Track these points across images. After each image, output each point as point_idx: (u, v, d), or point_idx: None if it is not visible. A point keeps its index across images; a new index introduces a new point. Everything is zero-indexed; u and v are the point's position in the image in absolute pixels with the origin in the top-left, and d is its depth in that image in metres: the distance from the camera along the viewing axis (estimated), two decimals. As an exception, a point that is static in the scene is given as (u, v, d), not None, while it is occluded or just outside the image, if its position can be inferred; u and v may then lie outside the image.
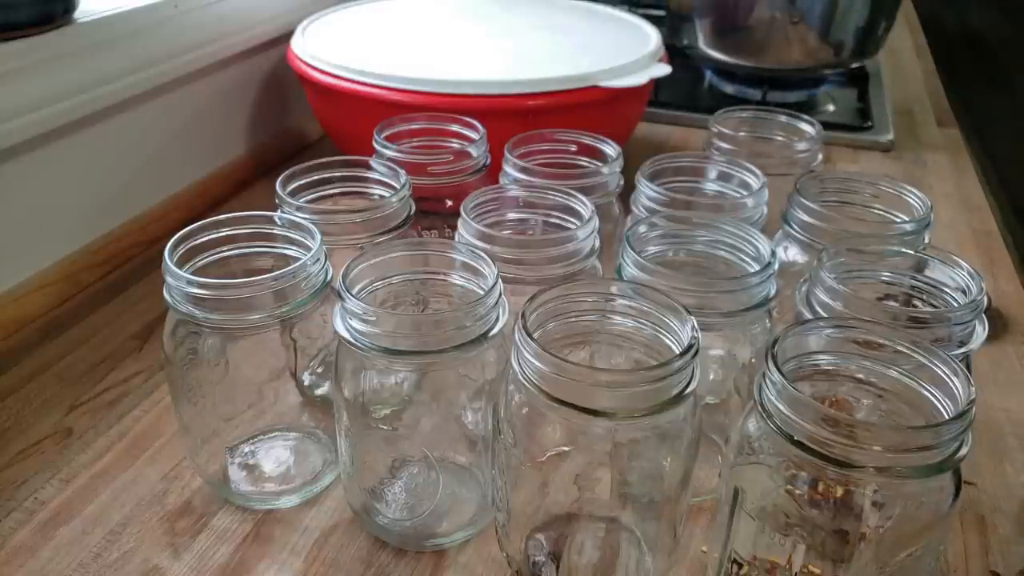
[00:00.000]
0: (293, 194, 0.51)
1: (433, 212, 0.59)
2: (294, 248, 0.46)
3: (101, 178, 0.70)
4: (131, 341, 0.62)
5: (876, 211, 0.53)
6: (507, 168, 0.57)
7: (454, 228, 0.49)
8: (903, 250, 0.46)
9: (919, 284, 0.44)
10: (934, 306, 0.44)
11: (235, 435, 0.50)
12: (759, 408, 0.35)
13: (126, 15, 0.68)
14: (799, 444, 0.33)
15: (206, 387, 0.46)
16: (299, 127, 0.95)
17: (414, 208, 0.53)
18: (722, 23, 1.08)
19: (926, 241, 0.49)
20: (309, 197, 0.52)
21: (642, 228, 0.48)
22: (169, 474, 0.51)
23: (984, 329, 0.41)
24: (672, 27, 1.16)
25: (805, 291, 0.44)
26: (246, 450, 0.50)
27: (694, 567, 0.45)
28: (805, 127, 0.64)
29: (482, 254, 0.43)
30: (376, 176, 0.54)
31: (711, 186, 0.57)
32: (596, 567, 0.43)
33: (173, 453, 0.52)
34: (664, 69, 0.78)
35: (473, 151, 0.59)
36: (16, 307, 0.63)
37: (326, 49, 0.78)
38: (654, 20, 0.91)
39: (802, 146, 0.62)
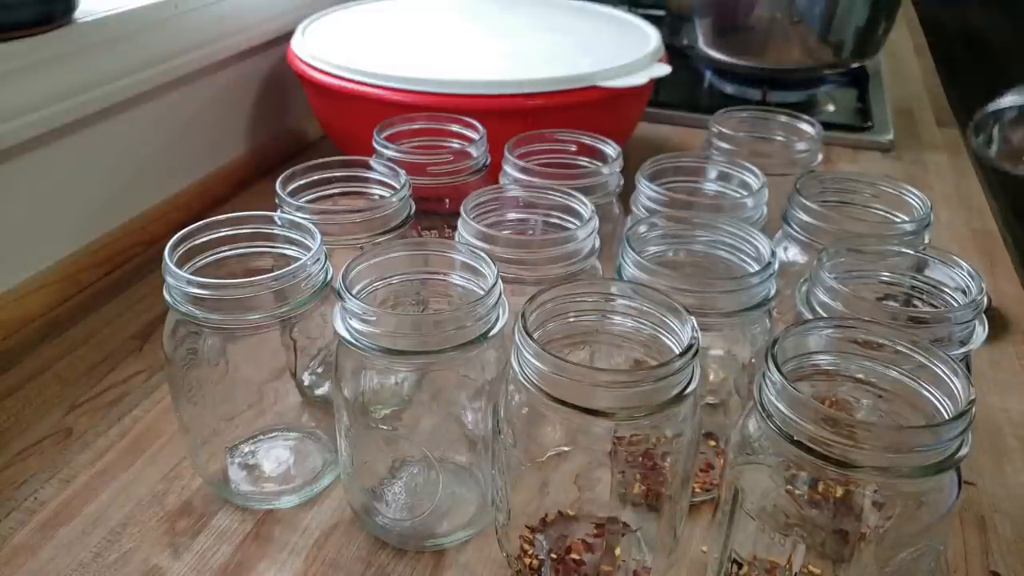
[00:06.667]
0: (293, 194, 0.51)
1: (433, 212, 0.59)
2: (294, 248, 0.46)
3: (101, 178, 0.70)
4: (131, 341, 0.62)
5: (876, 211, 0.53)
6: (507, 168, 0.57)
7: (454, 228, 0.49)
8: (903, 250, 0.46)
9: (919, 284, 0.44)
10: (934, 306, 0.44)
11: (235, 435, 0.50)
12: (759, 408, 0.35)
13: (126, 15, 0.68)
14: (799, 444, 0.33)
15: (206, 387, 0.46)
16: (299, 127, 0.95)
17: (414, 208, 0.52)
18: (722, 23, 1.08)
19: (926, 241, 0.49)
20: (309, 197, 0.52)
21: (642, 228, 0.48)
22: (169, 474, 0.51)
23: (984, 329, 0.41)
24: (672, 27, 1.16)
25: (805, 291, 0.44)
26: (246, 450, 0.50)
27: (694, 567, 0.45)
28: (805, 127, 0.64)
29: (482, 254, 0.43)
30: (376, 176, 0.54)
31: (711, 186, 0.57)
32: (596, 567, 0.43)
33: (173, 453, 0.52)
34: (664, 69, 0.78)
35: (473, 151, 0.59)
36: (16, 307, 0.63)
37: (326, 49, 0.78)
38: (654, 20, 0.92)
39: (802, 146, 0.62)
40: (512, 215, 0.53)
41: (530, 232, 0.52)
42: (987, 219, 0.82)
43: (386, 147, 0.57)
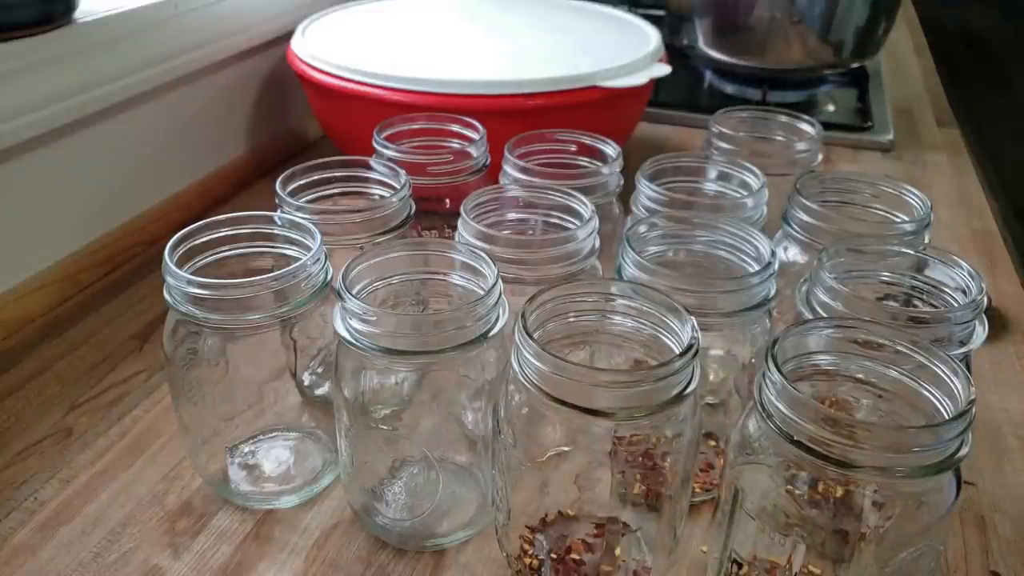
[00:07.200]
0: (293, 194, 0.51)
1: (433, 212, 0.59)
2: (294, 248, 0.46)
3: (101, 178, 0.70)
4: (131, 341, 0.62)
5: (876, 211, 0.53)
6: (507, 168, 0.57)
7: (454, 228, 0.49)
8: (903, 250, 0.46)
9: (919, 284, 0.44)
10: (934, 306, 0.44)
11: (235, 435, 0.50)
12: (759, 408, 0.35)
13: (126, 15, 0.68)
14: (799, 444, 0.33)
15: (206, 387, 0.46)
16: (299, 127, 0.95)
17: (414, 208, 0.53)
18: (722, 23, 1.08)
19: (926, 241, 0.49)
20: (309, 197, 0.52)
21: (642, 228, 0.48)
22: (169, 474, 0.51)
23: (984, 329, 0.41)
24: (672, 27, 1.16)
25: (805, 291, 0.44)
26: (246, 450, 0.50)
27: (694, 567, 0.45)
28: (805, 127, 0.64)
29: (482, 254, 0.43)
30: (376, 176, 0.54)
31: (711, 186, 0.57)
32: (596, 567, 0.43)
33: (173, 453, 0.52)
34: (664, 69, 0.78)
35: (473, 151, 0.59)
36: (16, 307, 0.63)
37: (326, 49, 0.78)
38: (654, 20, 0.92)
39: (802, 146, 0.62)
40: (512, 215, 0.53)
41: (530, 232, 0.52)
42: (987, 219, 0.82)
43: (386, 147, 0.57)
